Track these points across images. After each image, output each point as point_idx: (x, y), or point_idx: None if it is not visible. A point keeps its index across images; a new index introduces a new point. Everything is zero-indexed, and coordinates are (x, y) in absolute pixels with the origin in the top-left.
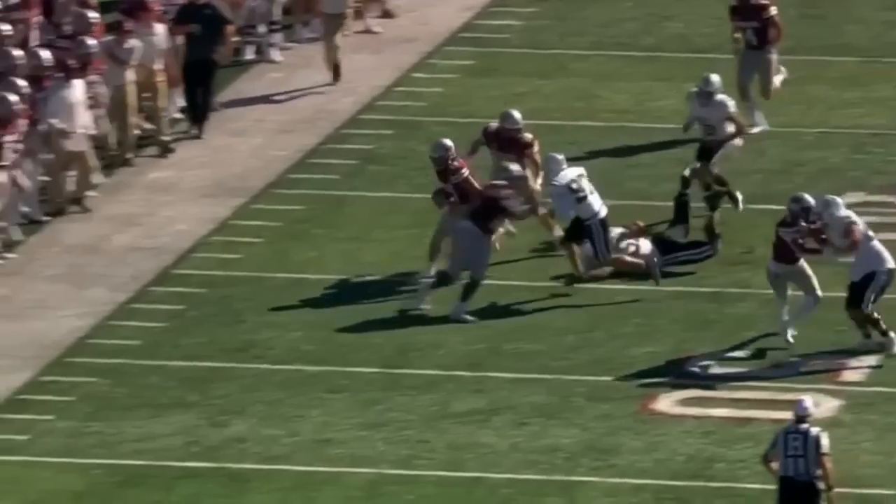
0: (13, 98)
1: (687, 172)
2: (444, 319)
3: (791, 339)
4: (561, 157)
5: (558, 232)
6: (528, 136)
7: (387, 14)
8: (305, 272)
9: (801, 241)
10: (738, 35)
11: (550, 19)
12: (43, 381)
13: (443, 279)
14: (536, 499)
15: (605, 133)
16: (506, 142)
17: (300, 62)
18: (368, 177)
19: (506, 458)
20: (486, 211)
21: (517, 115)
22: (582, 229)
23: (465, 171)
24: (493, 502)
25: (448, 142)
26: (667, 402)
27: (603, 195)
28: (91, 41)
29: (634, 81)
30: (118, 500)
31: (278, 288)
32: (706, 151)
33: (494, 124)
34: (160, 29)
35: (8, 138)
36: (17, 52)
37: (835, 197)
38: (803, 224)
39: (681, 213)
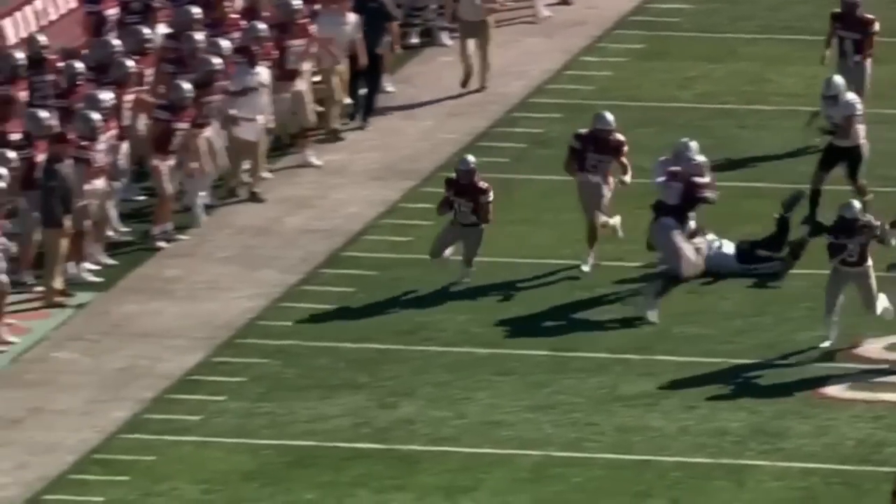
0: (186, 87)
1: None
2: (611, 303)
3: None
4: (694, 143)
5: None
6: (621, 136)
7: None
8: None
9: None
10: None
11: (720, 3)
12: (215, 361)
13: (668, 282)
14: (705, 482)
15: (775, 117)
16: (601, 143)
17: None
18: (537, 160)
19: (674, 441)
20: (685, 204)
21: (609, 116)
22: None
23: (491, 195)
24: (662, 486)
25: (472, 159)
26: (836, 387)
27: (773, 179)
28: (262, 25)
29: (804, 65)
30: (288, 481)
31: (448, 271)
32: (832, 154)
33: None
34: (352, 18)
35: (181, 125)
36: (199, 37)
37: None
38: None
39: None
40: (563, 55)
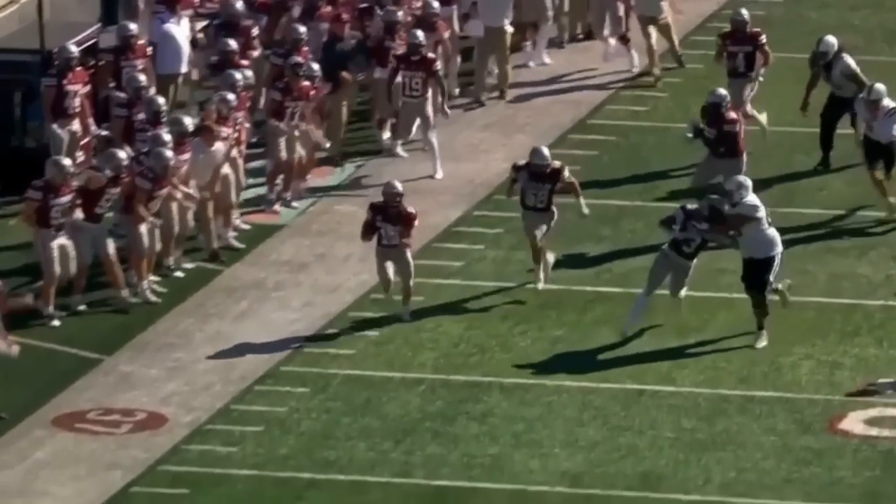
0: (168, 155)
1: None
2: None
3: None
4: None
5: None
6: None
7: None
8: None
9: None
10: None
11: None
12: (476, 214)
13: None
14: None
15: None
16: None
17: None
18: None
19: (880, 288)
20: None
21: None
22: None
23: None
24: (868, 326)
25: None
26: None
27: None
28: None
29: None
30: (539, 320)
31: (681, 137)
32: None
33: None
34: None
35: (160, 192)
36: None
37: None
38: None
39: None
40: None
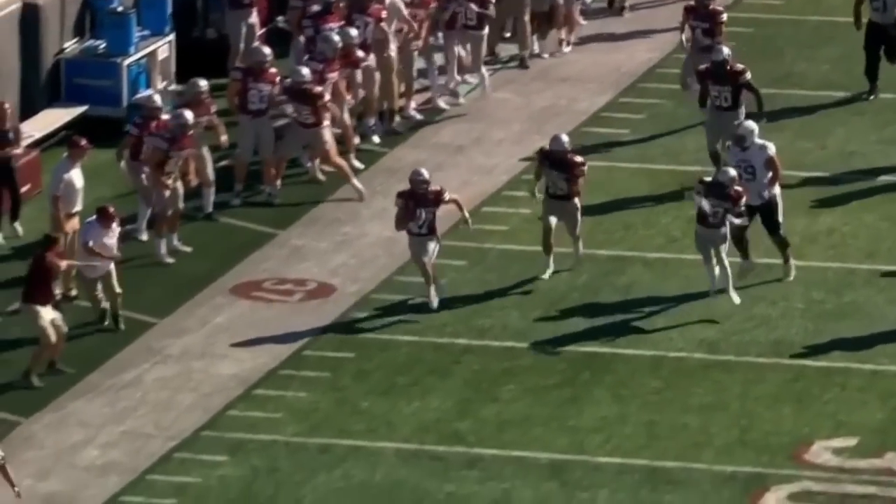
0: (335, 38)
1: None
2: None
3: None
4: None
5: None
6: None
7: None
8: (835, 15)
9: None
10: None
11: None
12: (620, 101)
13: None
14: None
15: None
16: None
17: None
18: None
19: None
20: None
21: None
22: None
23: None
24: None
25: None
26: None
27: None
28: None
29: None
30: (679, 198)
31: (812, 28)
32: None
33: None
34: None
35: (331, 75)
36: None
37: None
38: None
39: None
40: None
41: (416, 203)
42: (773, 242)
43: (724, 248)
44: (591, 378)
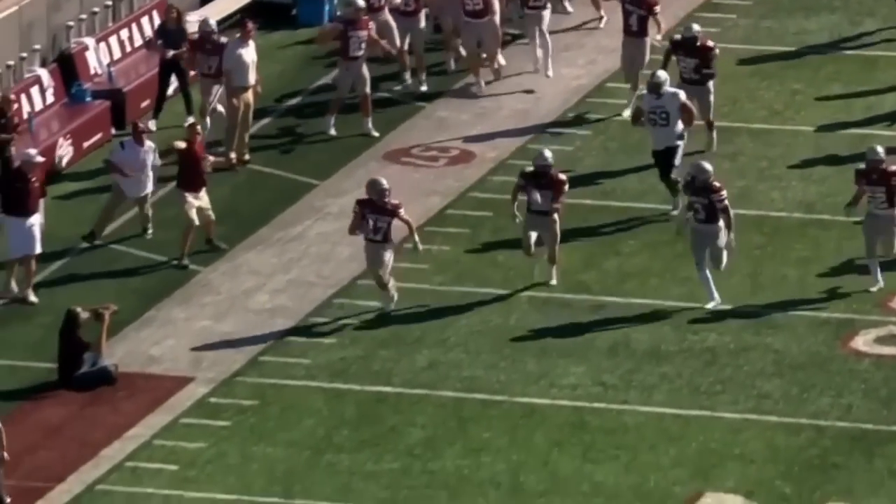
0: (360, 2)
1: None
2: None
3: None
4: None
5: None
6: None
7: None
8: None
9: None
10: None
11: None
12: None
13: None
14: None
15: None
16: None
17: None
18: None
19: None
20: None
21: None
22: None
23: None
24: None
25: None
26: None
27: None
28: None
29: None
30: (780, 74)
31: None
32: None
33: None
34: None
35: (360, 34)
36: None
37: None
38: None
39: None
40: None
41: (373, 211)
42: (663, 184)
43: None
44: None
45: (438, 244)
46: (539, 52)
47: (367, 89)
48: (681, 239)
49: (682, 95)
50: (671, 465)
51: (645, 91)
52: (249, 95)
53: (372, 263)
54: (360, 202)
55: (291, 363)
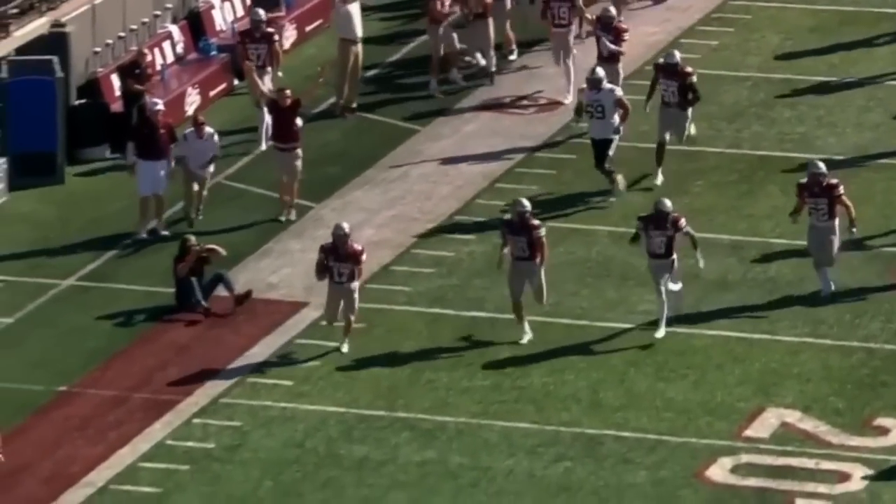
0: None
1: None
2: None
3: None
4: None
5: None
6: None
7: None
8: None
9: None
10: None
11: None
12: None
13: None
14: None
15: None
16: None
17: None
18: None
19: None
20: None
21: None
22: None
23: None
24: None
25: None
26: None
27: None
28: None
29: None
30: (839, 34)
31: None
32: None
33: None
34: None
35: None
36: None
37: None
38: None
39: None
40: None
41: (336, 258)
42: (598, 170)
43: (670, 279)
44: (765, 176)
45: (527, 184)
46: (563, 81)
47: (457, 45)
48: (744, 179)
49: (619, 92)
50: (736, 383)
51: (585, 86)
52: (359, 48)
53: (334, 304)
54: (323, 249)
55: (395, 290)
